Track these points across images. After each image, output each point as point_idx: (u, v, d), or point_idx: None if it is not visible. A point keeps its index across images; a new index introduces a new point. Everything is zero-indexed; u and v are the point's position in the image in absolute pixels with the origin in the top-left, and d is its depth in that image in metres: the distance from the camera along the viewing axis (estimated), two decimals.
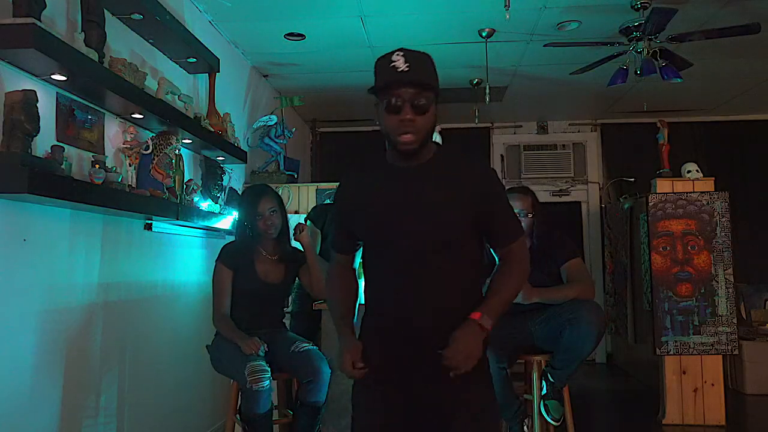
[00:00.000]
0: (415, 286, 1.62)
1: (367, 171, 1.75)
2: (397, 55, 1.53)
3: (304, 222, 3.26)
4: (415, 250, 1.61)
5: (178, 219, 3.00)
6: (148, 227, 3.08)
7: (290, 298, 3.37)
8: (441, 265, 1.62)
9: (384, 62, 1.55)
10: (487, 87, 4.49)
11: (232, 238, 3.90)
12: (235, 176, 4.15)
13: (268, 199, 2.84)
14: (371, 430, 1.71)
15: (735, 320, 4.03)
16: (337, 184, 1.81)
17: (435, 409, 1.64)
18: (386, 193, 1.65)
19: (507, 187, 2.36)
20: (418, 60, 1.55)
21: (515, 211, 2.87)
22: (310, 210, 3.87)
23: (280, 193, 3.00)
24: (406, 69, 1.51)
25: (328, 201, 4.48)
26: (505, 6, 3.39)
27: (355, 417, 1.76)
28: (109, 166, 2.57)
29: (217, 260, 2.84)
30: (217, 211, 3.57)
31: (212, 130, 3.46)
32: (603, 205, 6.60)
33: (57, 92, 2.38)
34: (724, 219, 4.07)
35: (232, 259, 2.82)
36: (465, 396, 1.60)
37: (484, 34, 4.16)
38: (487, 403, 1.67)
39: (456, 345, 1.55)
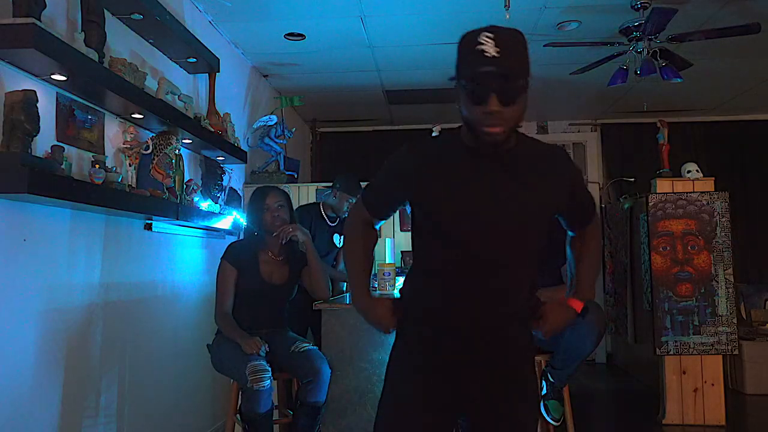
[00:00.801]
0: (488, 291, 1.49)
1: (443, 149, 1.52)
2: (486, 36, 1.31)
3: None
4: (496, 254, 1.47)
5: (178, 219, 3.00)
6: (148, 227, 3.08)
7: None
8: (518, 271, 1.51)
9: (469, 44, 1.33)
10: None
11: (232, 238, 3.91)
12: (235, 176, 4.15)
13: (276, 194, 2.91)
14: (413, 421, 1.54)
15: (735, 320, 4.03)
16: (395, 157, 1.59)
17: (485, 392, 1.55)
18: (471, 183, 1.45)
19: None
20: (510, 43, 1.33)
21: None
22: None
23: None
24: (496, 55, 1.30)
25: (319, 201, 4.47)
26: (505, 6, 3.39)
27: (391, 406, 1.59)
28: (109, 166, 2.58)
29: (222, 258, 2.85)
30: (217, 211, 3.57)
31: (212, 130, 3.46)
32: (603, 205, 6.59)
33: (57, 92, 2.38)
34: (724, 219, 4.07)
35: (238, 258, 2.83)
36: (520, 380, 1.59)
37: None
38: (534, 388, 1.67)
39: (547, 324, 1.56)
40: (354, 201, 3.68)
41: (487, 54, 1.30)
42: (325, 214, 3.80)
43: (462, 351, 1.53)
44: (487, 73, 1.31)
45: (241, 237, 3.02)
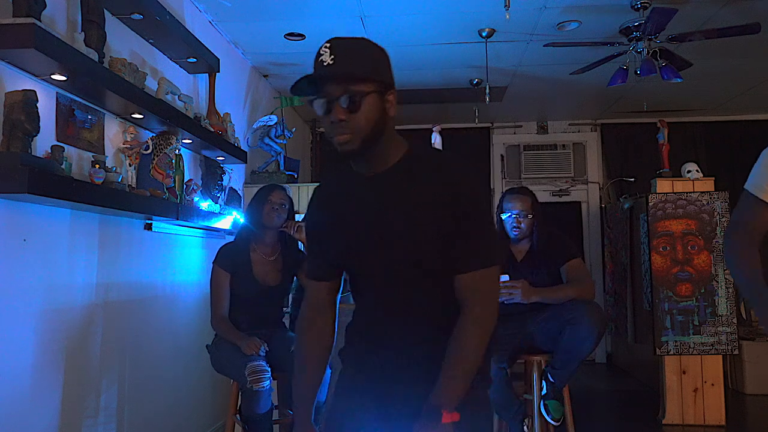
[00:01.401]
0: (390, 315, 1.44)
1: (336, 180, 1.53)
2: (324, 47, 1.32)
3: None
4: (386, 275, 1.42)
5: (178, 219, 3.00)
6: (148, 227, 3.08)
7: (288, 300, 3.38)
8: (417, 292, 1.41)
9: (315, 56, 1.35)
10: (487, 87, 4.49)
11: (232, 238, 3.91)
12: (235, 176, 4.15)
13: (281, 193, 2.92)
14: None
15: (735, 320, 4.03)
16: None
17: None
18: (350, 209, 1.45)
19: (507, 188, 2.34)
20: (348, 49, 1.32)
21: (514, 212, 2.91)
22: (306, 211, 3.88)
23: None
24: (331, 62, 1.29)
25: None
26: (505, 6, 3.39)
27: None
28: (109, 166, 2.58)
29: (213, 263, 2.84)
30: (217, 211, 3.57)
31: (212, 130, 3.46)
32: (603, 205, 6.60)
33: (57, 92, 2.38)
34: (724, 219, 4.07)
35: (230, 261, 2.82)
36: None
37: (484, 34, 4.16)
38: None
39: None
40: None
41: (324, 62, 1.31)
42: None
43: (379, 370, 1.46)
44: (324, 78, 1.32)
45: (237, 234, 3.01)
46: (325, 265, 1.53)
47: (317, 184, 1.59)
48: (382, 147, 1.38)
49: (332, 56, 1.30)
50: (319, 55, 1.33)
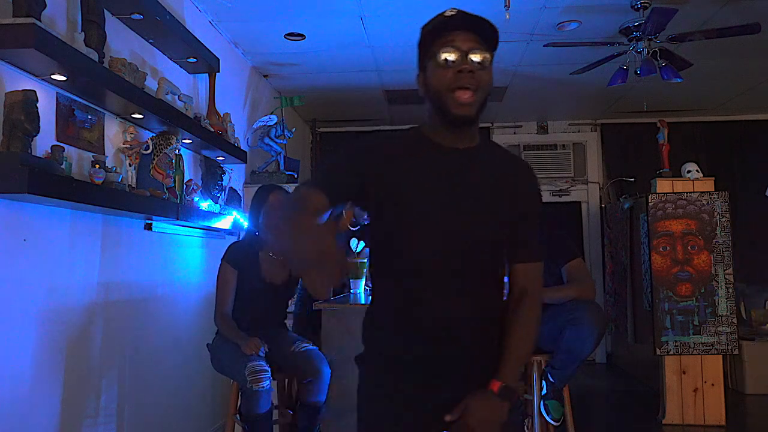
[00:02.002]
0: (458, 290, 1.36)
1: (404, 143, 1.41)
2: (451, 9, 1.33)
3: None
4: (452, 251, 1.35)
5: (178, 219, 3.00)
6: (148, 227, 3.08)
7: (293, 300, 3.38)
8: (486, 267, 1.40)
9: (433, 18, 1.35)
10: None
11: (232, 238, 3.91)
12: (235, 176, 4.15)
13: (278, 194, 2.90)
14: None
15: (735, 320, 4.03)
16: (352, 144, 1.43)
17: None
18: (437, 178, 1.35)
19: None
20: (479, 17, 1.33)
21: None
22: None
23: None
24: (463, 15, 1.31)
25: None
26: (505, 6, 3.39)
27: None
28: (109, 166, 2.57)
29: (222, 259, 2.84)
30: (217, 211, 3.57)
31: (212, 130, 3.46)
32: (603, 205, 6.60)
33: (57, 92, 2.38)
34: (724, 219, 4.07)
35: (238, 258, 2.82)
36: None
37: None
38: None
39: (469, 420, 1.30)
40: None
41: (452, 15, 1.32)
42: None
43: (434, 360, 1.37)
44: (456, 14, 1.31)
45: (242, 237, 3.01)
46: (346, 195, 1.37)
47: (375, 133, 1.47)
48: (477, 123, 1.38)
49: (463, 13, 1.31)
50: (441, 14, 1.33)
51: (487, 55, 1.31)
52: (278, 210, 1.34)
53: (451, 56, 1.30)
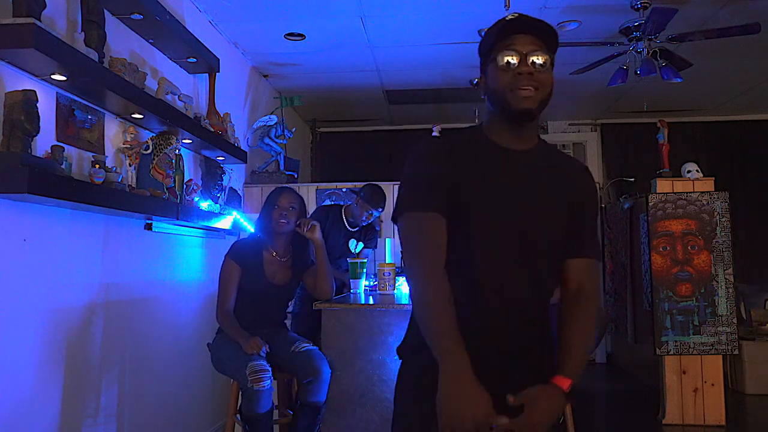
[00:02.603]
0: (524, 283, 1.38)
1: (468, 144, 1.42)
2: (512, 14, 1.37)
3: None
4: (531, 244, 1.37)
5: (178, 219, 3.00)
6: (148, 227, 3.08)
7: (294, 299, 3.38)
8: (550, 264, 1.43)
9: (495, 23, 1.39)
10: None
11: (232, 238, 3.91)
12: (235, 176, 4.15)
13: (290, 196, 2.90)
14: None
15: (735, 320, 4.03)
16: (423, 147, 1.42)
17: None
18: (504, 176, 1.37)
19: None
20: (539, 20, 1.37)
21: None
22: (312, 212, 3.88)
23: None
24: (523, 18, 1.35)
25: (328, 201, 4.49)
26: (505, 6, 3.39)
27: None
28: (109, 166, 2.57)
29: (226, 255, 2.84)
30: (217, 211, 3.57)
31: (212, 130, 3.46)
32: (603, 205, 6.59)
33: (57, 92, 2.38)
34: (724, 219, 4.07)
35: (242, 256, 2.82)
36: None
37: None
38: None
39: (535, 415, 1.24)
40: (374, 213, 3.68)
41: (525, 17, 1.35)
42: (346, 218, 3.80)
43: (500, 358, 1.36)
44: (516, 18, 1.35)
45: (247, 235, 3.01)
46: (443, 202, 1.34)
47: (432, 137, 1.48)
48: (537, 123, 1.43)
49: (531, 18, 1.35)
50: (512, 16, 1.36)
51: (547, 57, 1.36)
52: (424, 315, 1.30)
53: (512, 59, 1.34)
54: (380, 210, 3.71)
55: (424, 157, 1.41)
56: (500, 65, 1.35)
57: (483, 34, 1.43)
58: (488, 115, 1.44)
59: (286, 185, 3.14)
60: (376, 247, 3.97)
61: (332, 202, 4.41)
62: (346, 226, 3.80)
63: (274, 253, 2.88)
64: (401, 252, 1.46)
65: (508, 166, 1.39)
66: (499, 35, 1.36)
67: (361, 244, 3.83)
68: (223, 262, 2.84)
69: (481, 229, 1.35)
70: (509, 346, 1.38)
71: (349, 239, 3.82)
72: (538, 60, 1.34)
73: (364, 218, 3.72)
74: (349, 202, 3.93)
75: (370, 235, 3.88)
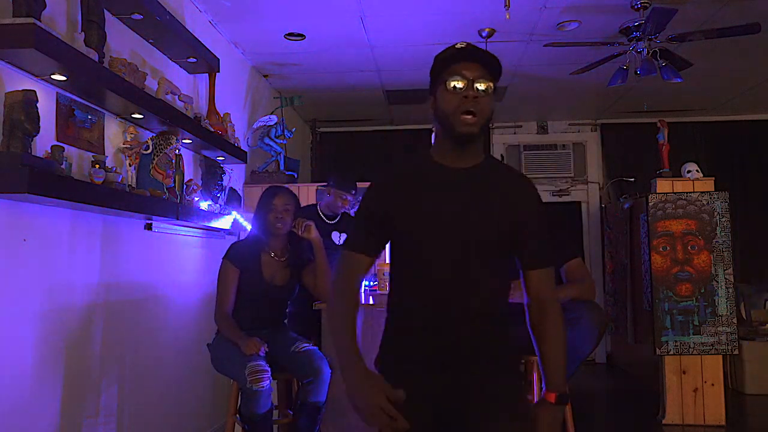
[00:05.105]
0: (464, 292, 1.54)
1: (412, 169, 1.62)
2: (461, 43, 1.52)
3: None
4: (469, 257, 1.53)
5: (178, 219, 3.00)
6: (148, 227, 3.08)
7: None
8: (488, 271, 1.56)
9: (445, 50, 1.52)
10: None
11: (232, 238, 3.91)
12: (235, 176, 4.15)
13: (284, 196, 2.89)
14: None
15: (735, 320, 4.03)
16: (369, 183, 1.67)
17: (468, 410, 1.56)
18: (444, 194, 1.54)
19: None
20: (484, 51, 1.52)
21: None
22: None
23: None
24: (471, 48, 1.49)
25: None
26: (505, 6, 3.39)
27: None
28: (109, 166, 2.57)
29: (224, 257, 2.84)
30: (217, 211, 3.57)
31: (212, 130, 3.46)
32: (603, 205, 6.60)
33: (57, 92, 2.38)
34: (724, 219, 4.07)
35: (240, 258, 2.82)
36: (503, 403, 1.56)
37: (484, 34, 4.16)
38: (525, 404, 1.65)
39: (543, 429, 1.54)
40: (348, 197, 3.68)
41: (461, 47, 1.50)
42: (323, 214, 3.80)
43: (440, 362, 1.54)
44: (465, 47, 1.49)
45: (245, 236, 3.01)
46: (380, 242, 1.62)
47: (382, 173, 1.66)
48: (479, 143, 1.57)
49: (470, 47, 1.50)
50: (452, 46, 1.51)
51: (491, 84, 1.50)
52: (331, 319, 1.63)
53: (459, 83, 1.48)
54: (353, 192, 3.69)
55: (365, 197, 1.64)
56: (449, 88, 1.49)
57: (434, 58, 1.56)
58: (436, 136, 1.60)
59: (279, 185, 3.13)
60: None
61: (306, 204, 4.37)
62: (324, 221, 3.77)
63: (272, 254, 2.88)
64: None
65: (449, 181, 1.55)
66: (449, 61, 1.50)
67: (344, 236, 3.82)
68: (221, 264, 2.84)
69: (426, 237, 1.54)
70: (456, 339, 1.54)
71: (331, 232, 3.80)
72: (481, 87, 1.48)
73: (339, 205, 3.73)
74: (323, 202, 3.90)
75: (351, 223, 3.84)
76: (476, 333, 1.56)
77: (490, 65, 1.50)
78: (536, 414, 1.56)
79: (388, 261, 3.55)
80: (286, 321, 3.06)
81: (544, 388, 1.59)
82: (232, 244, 2.91)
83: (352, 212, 3.83)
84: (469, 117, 1.47)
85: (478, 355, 1.56)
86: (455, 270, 1.53)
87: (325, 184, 4.61)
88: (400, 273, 1.63)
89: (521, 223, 1.55)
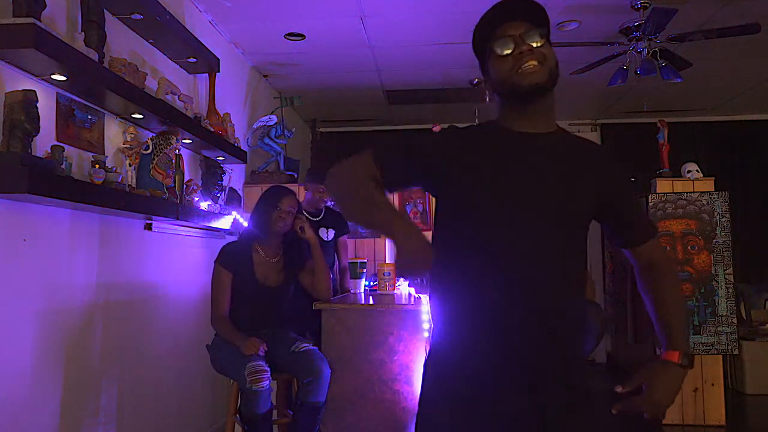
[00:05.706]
0: (545, 281, 1.26)
1: (480, 133, 1.37)
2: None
3: None
4: (549, 235, 1.27)
5: (178, 219, 3.00)
6: (148, 227, 3.08)
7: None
8: (571, 253, 1.32)
9: (481, 17, 1.34)
10: None
11: (232, 238, 3.91)
12: (235, 176, 4.15)
13: (292, 200, 2.91)
14: None
15: (735, 320, 4.03)
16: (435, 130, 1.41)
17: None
18: (516, 164, 1.30)
19: None
20: (522, 1, 1.31)
21: None
22: None
23: None
24: (507, 3, 1.30)
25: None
26: None
27: None
28: (109, 166, 2.58)
29: (215, 262, 2.84)
30: (217, 211, 3.57)
31: (212, 130, 3.46)
32: None
33: (57, 92, 2.38)
34: (724, 219, 4.07)
35: (232, 261, 2.82)
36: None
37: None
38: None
39: (656, 393, 1.35)
40: (324, 188, 3.66)
41: (505, 3, 1.31)
42: (306, 213, 3.79)
43: (516, 370, 1.28)
44: (496, 7, 1.31)
45: (240, 234, 3.01)
46: (401, 175, 1.34)
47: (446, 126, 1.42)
48: (552, 102, 1.35)
49: (514, 1, 1.30)
50: (492, 6, 1.31)
51: (542, 31, 1.30)
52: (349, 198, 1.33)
53: (507, 46, 1.29)
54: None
55: (424, 132, 1.40)
56: (498, 55, 1.30)
57: (473, 34, 1.37)
58: (499, 109, 1.37)
59: (284, 186, 3.13)
60: (348, 231, 3.93)
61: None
62: (310, 219, 3.77)
63: (263, 254, 2.88)
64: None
65: (523, 147, 1.31)
66: (490, 27, 1.32)
67: (332, 231, 3.81)
68: (213, 269, 2.84)
69: (496, 205, 1.28)
70: (537, 320, 1.26)
71: (318, 229, 3.80)
72: (534, 38, 1.28)
73: (318, 198, 3.74)
74: (304, 201, 3.89)
75: (336, 218, 3.83)
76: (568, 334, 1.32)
77: (534, 16, 1.29)
78: (654, 373, 1.36)
79: (388, 261, 3.55)
80: (285, 321, 3.06)
81: (664, 350, 1.38)
82: (223, 246, 2.91)
83: (330, 204, 3.85)
84: (531, 64, 1.26)
85: (568, 364, 1.34)
86: (544, 251, 1.26)
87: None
88: (461, 258, 1.30)
89: (620, 201, 1.39)
